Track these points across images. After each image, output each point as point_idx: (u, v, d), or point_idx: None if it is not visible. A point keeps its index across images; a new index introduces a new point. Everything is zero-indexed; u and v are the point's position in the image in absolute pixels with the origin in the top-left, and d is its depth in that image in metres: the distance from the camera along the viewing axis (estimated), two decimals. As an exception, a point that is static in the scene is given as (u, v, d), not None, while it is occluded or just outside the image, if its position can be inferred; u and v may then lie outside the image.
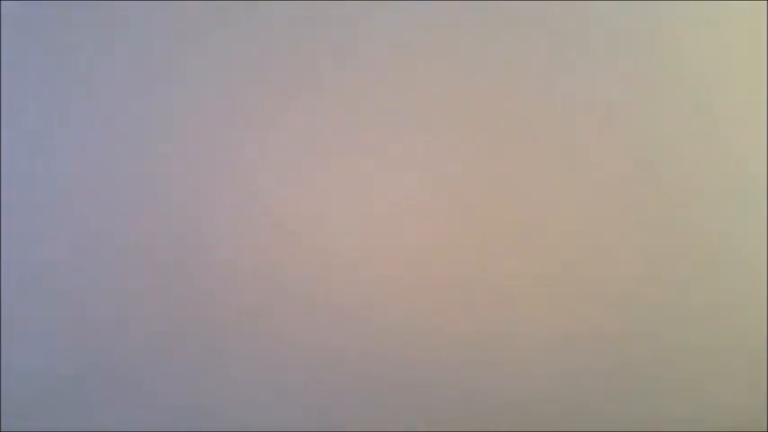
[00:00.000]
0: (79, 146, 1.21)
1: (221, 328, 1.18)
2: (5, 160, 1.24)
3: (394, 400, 1.15)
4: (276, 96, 1.17)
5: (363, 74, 1.17)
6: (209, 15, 1.21)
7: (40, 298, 1.19)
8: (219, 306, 1.18)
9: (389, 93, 1.16)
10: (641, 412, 1.11)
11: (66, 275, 1.20)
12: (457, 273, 1.15)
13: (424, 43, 1.16)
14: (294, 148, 1.17)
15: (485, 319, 1.15)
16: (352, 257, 1.18)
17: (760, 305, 1.10)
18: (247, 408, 1.18)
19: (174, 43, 1.22)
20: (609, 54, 1.13)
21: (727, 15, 1.14)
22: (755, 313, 1.09)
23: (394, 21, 1.17)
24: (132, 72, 1.21)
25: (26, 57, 1.24)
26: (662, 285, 1.11)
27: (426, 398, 1.16)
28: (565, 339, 1.12)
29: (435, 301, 1.16)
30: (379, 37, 1.16)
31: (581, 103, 1.13)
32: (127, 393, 1.19)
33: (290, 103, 1.18)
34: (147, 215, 1.22)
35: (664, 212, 1.13)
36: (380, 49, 1.16)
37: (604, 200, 1.14)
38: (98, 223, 1.22)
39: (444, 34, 1.16)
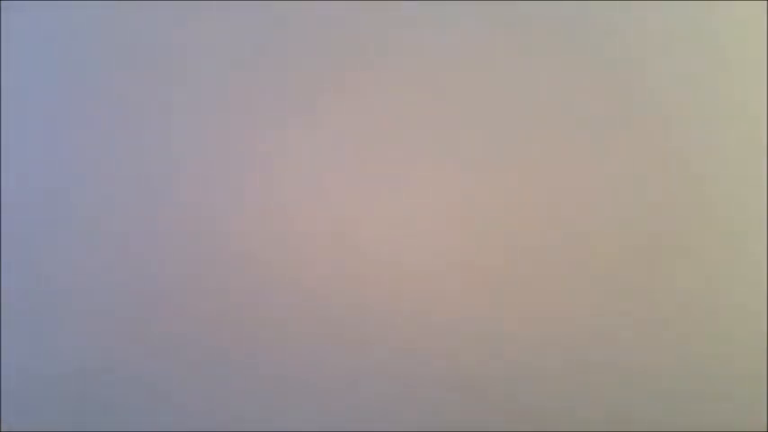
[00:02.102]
0: (86, 146, 1.20)
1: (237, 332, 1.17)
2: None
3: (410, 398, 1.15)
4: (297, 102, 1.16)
5: (384, 85, 1.16)
6: (230, 17, 1.19)
7: (45, 294, 1.18)
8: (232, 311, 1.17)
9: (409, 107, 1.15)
10: (638, 413, 1.12)
11: (72, 273, 1.18)
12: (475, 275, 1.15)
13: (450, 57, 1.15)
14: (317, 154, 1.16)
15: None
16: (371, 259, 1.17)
17: (760, 304, 1.11)
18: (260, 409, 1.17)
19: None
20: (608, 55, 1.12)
21: (727, 15, 1.14)
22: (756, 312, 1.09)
23: (422, 33, 1.16)
24: (142, 73, 1.20)
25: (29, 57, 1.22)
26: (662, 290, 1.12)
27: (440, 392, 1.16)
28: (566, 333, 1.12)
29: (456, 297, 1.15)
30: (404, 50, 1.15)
31: (581, 104, 1.13)
32: (136, 394, 1.18)
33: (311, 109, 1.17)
34: (160, 218, 1.21)
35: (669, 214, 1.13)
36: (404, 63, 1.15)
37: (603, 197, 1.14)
38: (106, 223, 1.20)
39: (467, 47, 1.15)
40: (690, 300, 1.10)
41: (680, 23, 1.13)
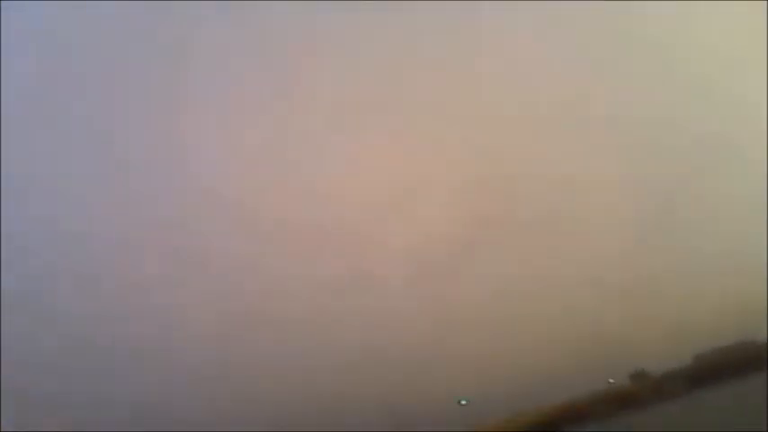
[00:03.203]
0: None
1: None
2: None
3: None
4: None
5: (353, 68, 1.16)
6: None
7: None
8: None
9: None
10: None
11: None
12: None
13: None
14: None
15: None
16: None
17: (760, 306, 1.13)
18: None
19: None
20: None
21: (727, 15, 1.16)
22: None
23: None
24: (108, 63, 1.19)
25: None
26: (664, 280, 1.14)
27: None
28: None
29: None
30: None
31: (584, 103, 1.14)
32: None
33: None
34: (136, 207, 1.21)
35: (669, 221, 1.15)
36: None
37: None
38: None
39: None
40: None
41: (680, 23, 1.15)
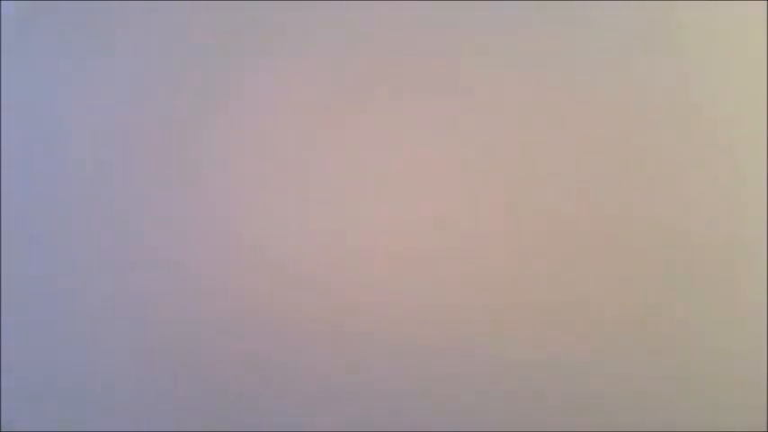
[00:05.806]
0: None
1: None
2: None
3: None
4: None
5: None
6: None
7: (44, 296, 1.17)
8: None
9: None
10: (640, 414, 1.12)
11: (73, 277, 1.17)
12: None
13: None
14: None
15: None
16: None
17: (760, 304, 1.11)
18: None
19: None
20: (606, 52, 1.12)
21: (727, 15, 1.15)
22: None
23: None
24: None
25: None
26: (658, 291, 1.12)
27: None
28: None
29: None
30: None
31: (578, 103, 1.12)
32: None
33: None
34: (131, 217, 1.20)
35: (655, 216, 1.13)
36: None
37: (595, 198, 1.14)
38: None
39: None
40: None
41: (680, 23, 1.14)
